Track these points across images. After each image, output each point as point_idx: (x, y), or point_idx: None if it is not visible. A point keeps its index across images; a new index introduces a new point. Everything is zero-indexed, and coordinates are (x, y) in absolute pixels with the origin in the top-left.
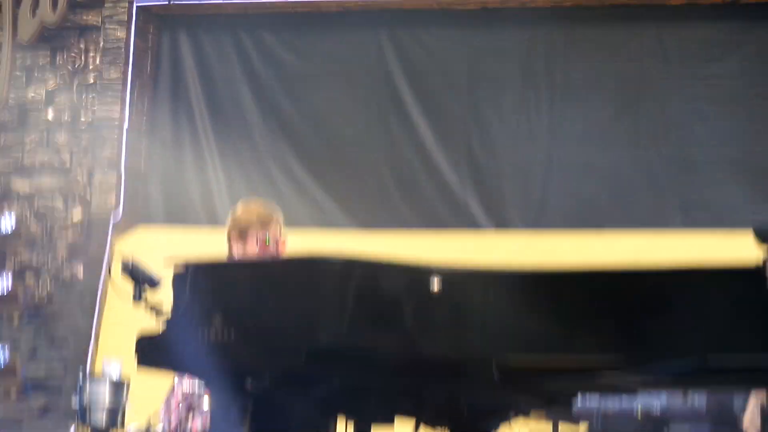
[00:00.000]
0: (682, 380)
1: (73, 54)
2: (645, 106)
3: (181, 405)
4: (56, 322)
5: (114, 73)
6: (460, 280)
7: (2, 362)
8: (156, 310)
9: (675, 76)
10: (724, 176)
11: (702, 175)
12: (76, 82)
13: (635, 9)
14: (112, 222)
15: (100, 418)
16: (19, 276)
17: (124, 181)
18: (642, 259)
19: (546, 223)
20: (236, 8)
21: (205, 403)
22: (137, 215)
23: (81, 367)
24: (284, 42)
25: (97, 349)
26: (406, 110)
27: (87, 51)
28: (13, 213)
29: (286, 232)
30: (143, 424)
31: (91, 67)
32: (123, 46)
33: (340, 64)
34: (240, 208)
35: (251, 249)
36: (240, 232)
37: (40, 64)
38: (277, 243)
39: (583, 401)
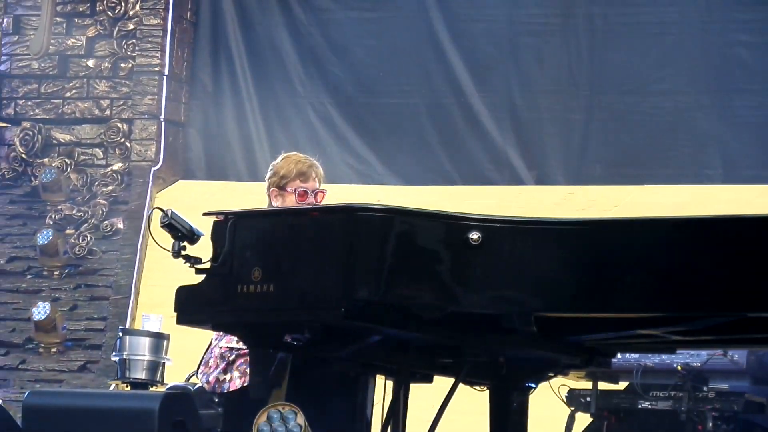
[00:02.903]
0: (722, 338)
1: (113, 1)
2: (686, 52)
3: (219, 362)
4: (96, 276)
5: (154, 20)
6: (498, 232)
7: (44, 318)
8: (196, 264)
9: (716, 21)
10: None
11: (744, 126)
12: (116, 30)
13: None
14: (152, 173)
15: (140, 374)
16: (59, 229)
17: (164, 131)
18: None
19: (587, 178)
20: None
21: (244, 360)
22: (177, 166)
23: (121, 322)
24: None
25: (137, 304)
26: (445, 57)
27: None
28: (53, 164)
29: (326, 187)
30: (183, 381)
31: (131, 13)
32: None
33: (379, 10)
34: (280, 162)
35: (290, 203)
36: (279, 186)
37: (80, 11)
38: (316, 197)
39: (623, 359)
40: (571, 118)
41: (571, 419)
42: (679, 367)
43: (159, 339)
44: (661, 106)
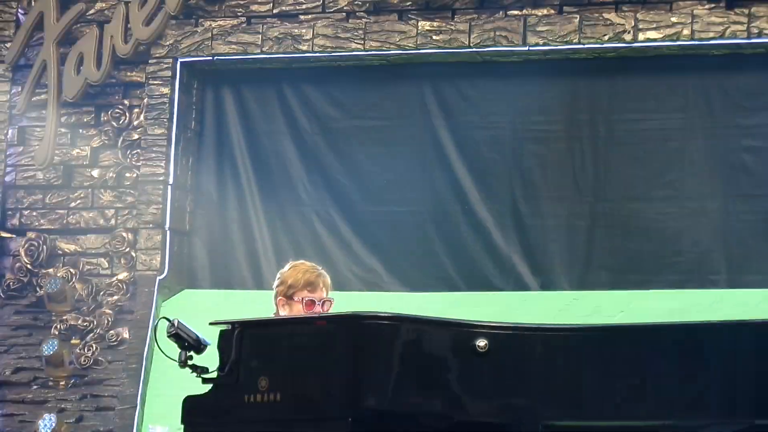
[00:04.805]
0: None
1: (117, 111)
2: (690, 158)
3: None
4: (102, 387)
5: (158, 130)
6: (505, 339)
7: (50, 429)
8: (203, 374)
9: (720, 127)
10: None
11: (749, 231)
12: (120, 140)
13: (678, 59)
14: (157, 282)
15: None
16: (64, 339)
17: (169, 240)
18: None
19: (591, 284)
20: (279, 63)
21: None
22: (183, 275)
23: None
24: (328, 96)
25: (143, 415)
26: (450, 165)
27: (131, 108)
28: (58, 274)
29: (331, 294)
30: None
31: (135, 123)
32: (167, 102)
33: (384, 118)
34: (287, 270)
35: (298, 312)
36: (287, 295)
37: (85, 121)
38: (323, 306)
39: None
40: (576, 225)
41: None
42: None
43: None
44: (666, 211)
